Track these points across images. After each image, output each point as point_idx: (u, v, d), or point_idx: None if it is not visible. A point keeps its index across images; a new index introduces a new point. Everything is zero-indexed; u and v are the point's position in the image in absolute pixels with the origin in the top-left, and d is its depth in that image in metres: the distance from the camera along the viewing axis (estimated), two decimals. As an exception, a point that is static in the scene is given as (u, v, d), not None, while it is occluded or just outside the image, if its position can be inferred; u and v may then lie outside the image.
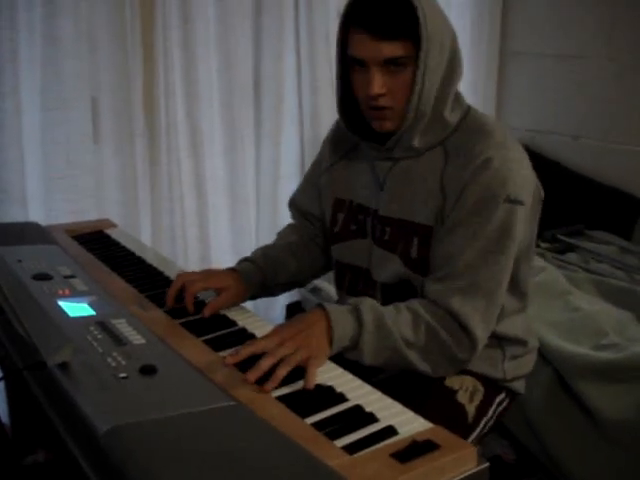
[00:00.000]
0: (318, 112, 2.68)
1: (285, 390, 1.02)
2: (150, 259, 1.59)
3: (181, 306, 1.30)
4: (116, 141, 2.24)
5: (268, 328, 1.22)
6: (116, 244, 1.71)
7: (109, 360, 1.04)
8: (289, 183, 2.70)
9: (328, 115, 2.68)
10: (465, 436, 1.31)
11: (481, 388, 1.36)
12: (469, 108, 1.33)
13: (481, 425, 1.36)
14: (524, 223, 1.26)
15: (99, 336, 1.12)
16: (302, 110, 2.68)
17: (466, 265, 1.21)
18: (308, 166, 2.66)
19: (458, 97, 1.31)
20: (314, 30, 2.60)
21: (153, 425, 0.88)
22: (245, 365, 1.05)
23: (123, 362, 1.03)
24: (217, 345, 1.16)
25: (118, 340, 1.11)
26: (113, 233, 1.80)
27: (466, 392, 1.34)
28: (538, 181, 1.32)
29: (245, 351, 1.08)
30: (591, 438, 1.84)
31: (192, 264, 2.43)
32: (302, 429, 0.91)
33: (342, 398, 1.01)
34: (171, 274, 1.49)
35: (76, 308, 1.24)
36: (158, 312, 1.29)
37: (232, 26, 2.43)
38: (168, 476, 0.78)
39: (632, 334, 2.03)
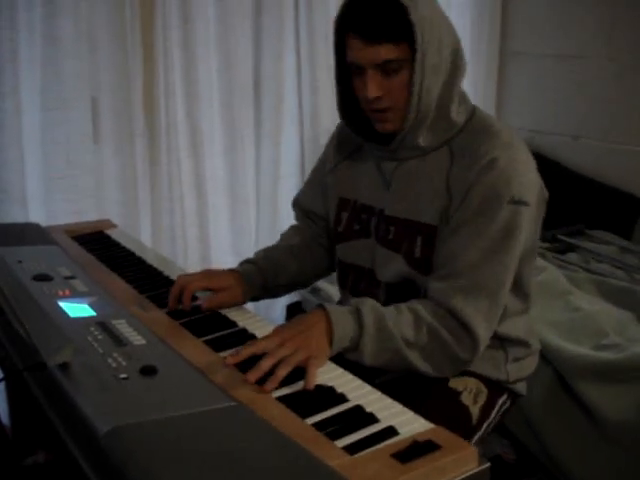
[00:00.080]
0: (318, 112, 2.68)
1: (285, 390, 1.02)
2: (150, 259, 1.59)
3: (181, 307, 1.30)
4: (116, 141, 2.24)
5: (268, 328, 1.22)
6: (116, 245, 1.71)
7: (109, 361, 1.04)
8: (289, 183, 2.70)
9: (328, 115, 2.68)
10: (469, 437, 1.32)
11: (484, 389, 1.36)
12: (475, 109, 1.33)
13: (484, 426, 1.36)
14: (529, 224, 1.26)
15: (99, 337, 1.12)
16: (302, 110, 2.68)
17: (469, 264, 1.21)
18: (308, 166, 2.69)
19: (464, 97, 1.32)
20: (314, 30, 2.60)
21: (153, 426, 0.88)
22: (245, 366, 1.05)
23: (123, 363, 1.03)
24: (217, 345, 1.16)
25: (118, 341, 1.11)
26: (113, 234, 1.80)
27: (470, 393, 1.33)
28: (543, 182, 1.32)
29: (245, 352, 1.08)
30: (591, 438, 1.84)
31: (192, 264, 2.43)
32: (302, 429, 0.91)
33: (342, 398, 1.01)
34: (171, 274, 1.49)
35: (76, 309, 1.24)
36: (158, 312, 1.29)
37: (232, 26, 2.43)
38: (168, 477, 0.78)
39: (632, 334, 2.03)
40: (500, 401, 1.40)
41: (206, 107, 2.43)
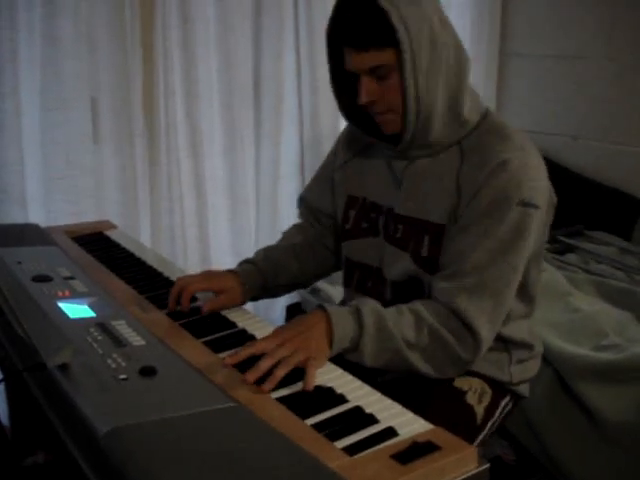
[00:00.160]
0: (318, 112, 2.68)
1: (285, 391, 1.02)
2: (150, 260, 1.59)
3: (180, 309, 1.30)
4: (116, 141, 2.24)
5: (268, 329, 1.22)
6: (116, 245, 1.71)
7: (109, 361, 1.04)
8: (289, 183, 2.70)
9: (328, 115, 2.68)
10: (473, 437, 1.32)
11: (489, 390, 1.36)
12: (487, 110, 1.33)
13: (488, 426, 1.36)
14: (538, 227, 1.26)
15: (99, 337, 1.12)
16: (302, 110, 2.67)
17: (475, 264, 1.21)
18: (308, 166, 2.69)
19: (476, 97, 1.32)
20: (314, 30, 2.60)
21: (153, 426, 0.88)
22: (245, 366, 1.05)
23: (123, 363, 1.03)
24: (217, 346, 1.16)
25: (118, 341, 1.11)
26: (113, 234, 1.80)
27: (475, 393, 1.34)
28: (552, 187, 1.31)
29: (244, 352, 1.08)
30: (591, 439, 1.84)
31: (192, 264, 2.43)
32: (302, 430, 0.91)
33: (342, 399, 1.01)
34: (171, 275, 1.49)
35: (76, 309, 1.24)
36: (158, 313, 1.29)
37: (232, 26, 2.43)
38: (168, 477, 0.78)
39: (632, 335, 2.03)
40: (503, 402, 1.40)
41: (206, 107, 2.43)
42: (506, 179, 1.21)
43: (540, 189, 1.25)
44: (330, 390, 1.03)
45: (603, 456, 1.82)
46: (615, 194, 2.89)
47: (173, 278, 1.45)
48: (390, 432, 0.91)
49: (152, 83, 2.28)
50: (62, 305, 1.25)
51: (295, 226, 1.60)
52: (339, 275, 1.54)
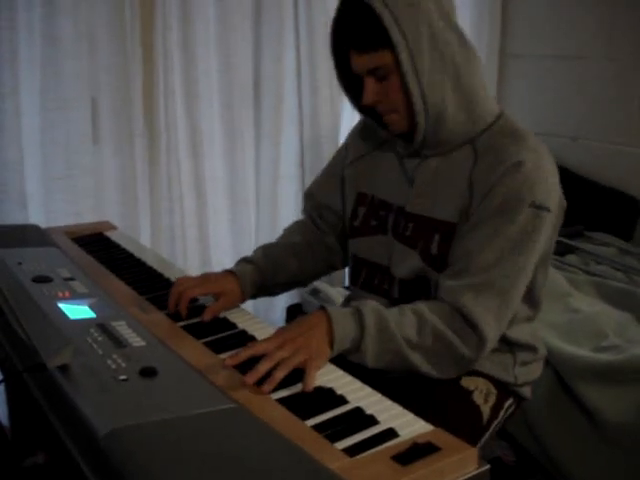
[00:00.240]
0: (318, 112, 2.68)
1: (285, 392, 1.02)
2: (150, 261, 1.59)
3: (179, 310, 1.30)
4: (116, 141, 2.24)
5: (268, 330, 1.22)
6: (116, 246, 1.71)
7: (109, 362, 1.04)
8: (289, 183, 2.70)
9: (328, 115, 2.68)
10: (479, 436, 1.32)
11: (494, 390, 1.36)
12: (502, 111, 1.33)
13: (492, 426, 1.37)
14: (548, 230, 1.26)
15: (99, 338, 1.12)
16: (302, 110, 2.67)
17: (483, 263, 1.21)
18: (308, 166, 2.70)
19: (490, 98, 1.32)
20: (314, 30, 2.60)
21: (153, 427, 0.88)
22: (246, 367, 1.05)
23: (123, 364, 1.03)
24: (217, 347, 1.16)
25: (118, 342, 1.11)
26: (113, 235, 1.80)
27: (481, 393, 1.34)
28: (562, 191, 1.31)
29: (244, 353, 1.08)
30: (591, 440, 1.84)
31: (191, 265, 2.43)
32: (302, 431, 0.91)
33: (342, 400, 1.01)
34: (171, 276, 1.49)
35: (76, 310, 1.24)
36: (158, 314, 1.29)
37: (232, 26, 2.43)
38: (168, 478, 0.78)
39: (632, 336, 2.03)
40: (507, 404, 1.40)
41: (206, 107, 2.43)
42: (520, 180, 1.21)
43: (552, 192, 1.25)
44: (330, 391, 1.03)
45: (603, 457, 1.82)
46: (615, 195, 2.89)
47: (173, 279, 1.45)
48: (390, 433, 0.91)
49: (152, 83, 2.28)
50: (62, 306, 1.25)
51: (297, 223, 1.60)
52: (339, 275, 1.54)
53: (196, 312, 1.30)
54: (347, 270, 1.57)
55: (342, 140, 2.66)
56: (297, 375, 1.05)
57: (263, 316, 2.58)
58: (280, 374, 1.03)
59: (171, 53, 2.29)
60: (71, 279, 1.39)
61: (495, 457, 2.01)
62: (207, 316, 1.28)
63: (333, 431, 0.91)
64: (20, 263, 1.44)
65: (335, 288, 2.51)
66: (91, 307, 1.26)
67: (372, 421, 0.95)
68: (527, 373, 1.42)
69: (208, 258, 2.52)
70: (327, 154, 2.65)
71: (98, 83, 2.18)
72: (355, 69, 1.27)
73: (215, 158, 2.50)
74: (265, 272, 1.44)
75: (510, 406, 1.42)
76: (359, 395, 1.02)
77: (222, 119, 2.50)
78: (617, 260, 2.58)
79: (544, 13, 3.10)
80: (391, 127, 1.32)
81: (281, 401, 0.99)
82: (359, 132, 1.51)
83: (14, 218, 2.03)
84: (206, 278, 1.38)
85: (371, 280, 1.41)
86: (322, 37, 2.61)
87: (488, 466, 0.88)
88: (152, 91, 2.29)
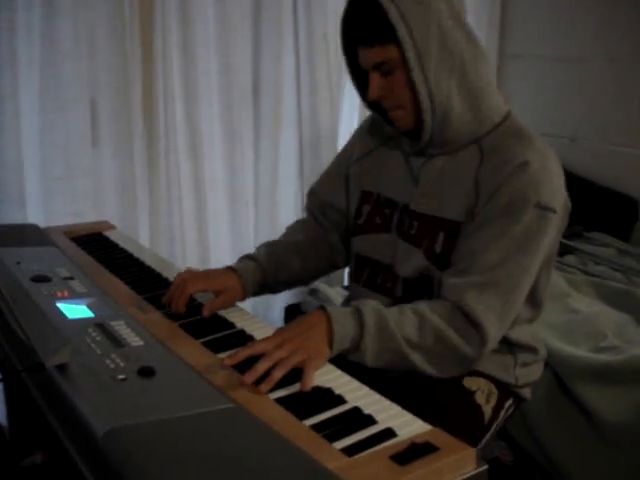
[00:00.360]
0: (317, 113, 2.67)
1: (284, 392, 1.02)
2: (149, 261, 1.59)
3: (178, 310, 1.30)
4: (115, 143, 2.24)
5: (266, 330, 1.22)
6: (115, 246, 1.71)
7: (107, 362, 1.04)
8: (288, 184, 2.70)
9: (327, 116, 2.68)
10: (481, 437, 1.32)
11: (495, 391, 1.37)
12: (510, 111, 1.33)
13: (493, 427, 1.37)
14: (553, 231, 1.26)
15: (97, 338, 1.12)
16: (301, 111, 2.67)
17: (487, 262, 1.21)
18: (307, 167, 2.70)
19: (499, 98, 1.32)
20: (313, 31, 2.60)
21: (151, 427, 0.88)
22: (244, 367, 1.05)
23: (121, 364, 1.03)
24: (216, 347, 1.16)
25: (116, 342, 1.11)
26: (112, 235, 1.80)
27: (483, 393, 1.34)
28: (567, 194, 1.31)
29: (243, 353, 1.08)
30: (590, 440, 1.84)
31: (191, 265, 2.42)
32: (301, 431, 0.91)
33: (341, 400, 1.01)
34: (170, 276, 1.48)
35: (75, 310, 1.24)
36: (157, 314, 1.29)
37: (232, 27, 2.43)
38: (166, 478, 0.78)
39: (631, 336, 2.03)
40: (507, 404, 1.40)
41: (205, 108, 2.43)
42: (526, 180, 1.21)
43: (558, 193, 1.25)
44: (329, 391, 1.03)
45: (602, 457, 1.82)
46: (614, 195, 2.89)
47: (172, 279, 1.45)
48: (389, 433, 0.91)
49: (151, 84, 2.28)
50: (61, 305, 1.25)
51: (299, 221, 1.60)
52: (338, 275, 1.54)
53: (195, 311, 1.30)
54: (347, 269, 1.57)
55: (341, 141, 2.66)
56: (296, 375, 1.05)
57: (262, 316, 2.58)
58: (278, 374, 1.03)
59: (170, 54, 2.29)
60: (70, 279, 1.39)
61: (493, 457, 2.01)
62: (206, 311, 1.28)
63: (331, 431, 0.91)
64: (19, 262, 1.44)
65: (334, 288, 2.51)
66: (90, 307, 1.26)
67: (370, 421, 0.95)
68: (527, 374, 1.42)
69: (207, 259, 2.52)
70: (326, 155, 2.65)
71: (97, 84, 2.18)
72: (362, 64, 1.28)
73: (214, 159, 2.50)
74: (267, 270, 1.44)
75: (510, 407, 1.42)
76: (357, 395, 1.02)
77: (221, 120, 2.50)
78: (616, 261, 2.58)
79: (544, 13, 3.10)
80: (397, 123, 1.32)
81: (279, 401, 0.99)
82: (367, 128, 1.51)
83: (13, 218, 2.03)
84: (208, 274, 1.38)
85: (374, 279, 1.41)
86: (321, 38, 2.61)
87: (486, 466, 0.88)
88: (151, 92, 2.28)
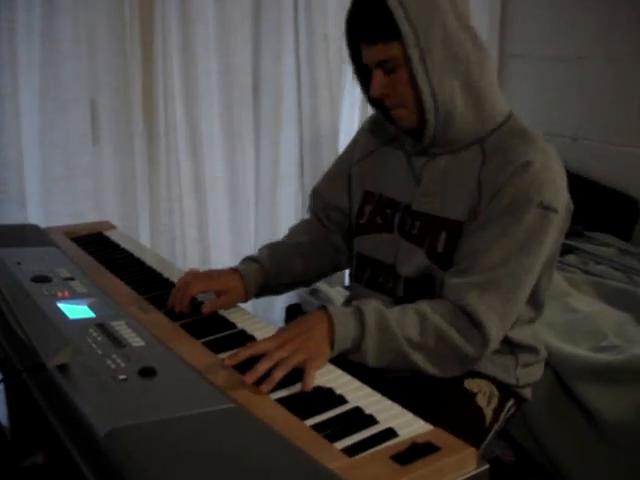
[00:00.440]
0: (317, 112, 2.68)
1: (285, 392, 1.02)
2: (149, 261, 1.59)
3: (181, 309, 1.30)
4: (115, 143, 2.24)
5: (267, 330, 1.22)
6: (115, 246, 1.71)
7: (108, 362, 1.04)
8: (288, 184, 2.70)
9: (327, 115, 2.68)
10: (482, 438, 1.32)
11: (496, 392, 1.36)
12: (511, 112, 1.33)
13: (494, 428, 1.36)
14: (555, 232, 1.26)
15: (98, 338, 1.12)
16: (301, 111, 2.67)
17: (489, 262, 1.21)
18: (307, 166, 2.70)
19: (501, 98, 1.32)
20: (313, 31, 2.60)
21: (152, 427, 0.88)
22: (245, 367, 1.05)
23: (122, 364, 1.03)
24: (216, 347, 1.16)
25: (117, 342, 1.11)
26: (112, 235, 1.80)
27: (484, 395, 1.33)
28: (569, 195, 1.31)
29: (244, 353, 1.08)
30: (590, 440, 1.84)
31: (191, 265, 2.43)
32: (302, 431, 0.91)
33: (342, 400, 1.01)
34: (170, 276, 1.49)
35: (75, 310, 1.24)
36: (157, 314, 1.29)
37: (231, 27, 2.43)
38: (167, 478, 0.78)
39: (631, 336, 2.03)
40: (508, 405, 1.40)
41: (205, 108, 2.43)
42: (528, 180, 1.21)
43: (560, 194, 1.25)
44: (330, 391, 1.03)
45: (602, 457, 1.82)
46: (615, 195, 2.89)
47: (173, 279, 1.45)
48: (390, 433, 0.91)
49: (151, 84, 2.28)
50: (62, 306, 1.25)
51: (302, 222, 1.60)
52: (339, 276, 1.54)
53: (196, 311, 1.30)
54: (348, 269, 1.57)
55: (342, 140, 2.65)
56: (296, 375, 1.05)
57: (262, 316, 2.58)
58: (279, 374, 1.03)
59: (170, 54, 2.29)
60: (70, 279, 1.39)
61: (494, 457, 2.01)
62: (205, 309, 1.28)
63: (332, 431, 0.91)
64: (19, 263, 1.44)
65: (334, 288, 2.51)
66: (90, 307, 1.26)
67: (371, 421, 0.95)
68: (528, 375, 1.42)
69: (208, 258, 2.52)
70: (326, 154, 2.66)
71: (97, 84, 2.18)
72: (365, 61, 1.28)
73: (214, 158, 2.50)
74: (270, 272, 1.44)
75: (511, 407, 1.42)
76: (358, 395, 1.02)
77: (222, 119, 2.50)
78: (616, 260, 2.58)
79: (544, 13, 3.10)
80: (399, 122, 1.32)
81: (280, 401, 0.99)
82: (369, 128, 1.51)
83: (13, 218, 2.03)
84: (210, 275, 1.38)
85: (375, 278, 1.41)
86: (321, 37, 2.61)
87: (487, 466, 0.88)
88: (151, 92, 2.29)
